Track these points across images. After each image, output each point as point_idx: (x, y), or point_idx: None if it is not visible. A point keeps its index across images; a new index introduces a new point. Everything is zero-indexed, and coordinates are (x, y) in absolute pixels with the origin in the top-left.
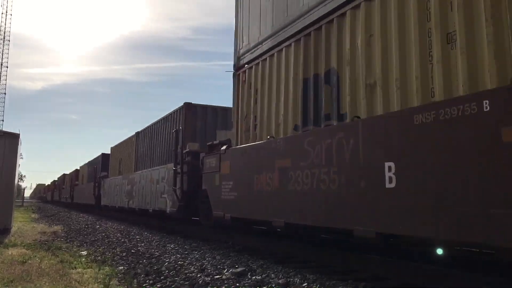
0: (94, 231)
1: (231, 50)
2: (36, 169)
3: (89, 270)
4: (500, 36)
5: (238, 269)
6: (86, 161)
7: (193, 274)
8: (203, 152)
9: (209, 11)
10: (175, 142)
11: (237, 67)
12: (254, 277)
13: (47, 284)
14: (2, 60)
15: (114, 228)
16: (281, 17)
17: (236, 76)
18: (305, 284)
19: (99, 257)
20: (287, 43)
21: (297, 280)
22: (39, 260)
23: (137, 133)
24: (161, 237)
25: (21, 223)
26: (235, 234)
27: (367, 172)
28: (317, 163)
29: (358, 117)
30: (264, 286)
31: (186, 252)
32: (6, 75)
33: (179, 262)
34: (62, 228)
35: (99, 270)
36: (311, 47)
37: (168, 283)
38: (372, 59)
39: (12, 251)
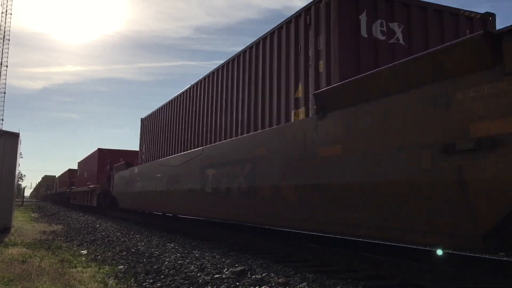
0: (94, 230)
1: (232, 49)
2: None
3: (89, 269)
4: None
5: (238, 268)
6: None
7: (193, 273)
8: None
9: (210, 11)
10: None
11: None
12: (254, 276)
13: (47, 283)
14: (1, 59)
15: (114, 227)
16: None
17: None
18: (305, 283)
19: (99, 256)
20: None
21: (297, 279)
22: (39, 259)
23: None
24: (161, 236)
25: (21, 222)
26: (235, 232)
27: None
28: None
29: None
30: (264, 285)
31: (186, 251)
32: (6, 75)
33: (179, 261)
34: (62, 227)
35: (99, 269)
36: None
37: (168, 282)
38: None
39: (12, 250)
